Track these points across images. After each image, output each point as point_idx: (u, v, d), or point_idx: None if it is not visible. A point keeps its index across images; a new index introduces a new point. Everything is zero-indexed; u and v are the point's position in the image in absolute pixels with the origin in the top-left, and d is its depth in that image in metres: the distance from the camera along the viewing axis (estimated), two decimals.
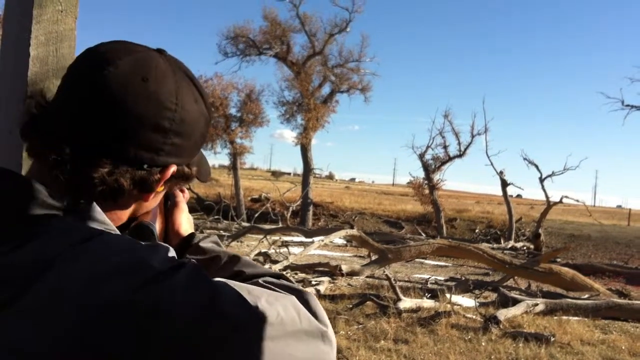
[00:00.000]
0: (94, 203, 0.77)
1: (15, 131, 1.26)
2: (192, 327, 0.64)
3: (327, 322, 0.78)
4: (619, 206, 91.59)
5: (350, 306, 8.39)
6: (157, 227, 1.00)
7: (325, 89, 31.75)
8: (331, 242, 13.23)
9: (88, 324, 0.62)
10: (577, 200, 23.77)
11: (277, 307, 0.72)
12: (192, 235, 1.04)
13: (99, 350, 0.62)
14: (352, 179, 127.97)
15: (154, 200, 0.91)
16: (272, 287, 0.79)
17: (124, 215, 0.87)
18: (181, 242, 1.04)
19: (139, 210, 0.90)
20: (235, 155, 33.21)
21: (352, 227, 17.33)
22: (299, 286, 0.85)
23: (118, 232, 0.79)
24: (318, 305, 0.80)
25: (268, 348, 0.68)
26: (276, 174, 72.94)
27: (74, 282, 0.65)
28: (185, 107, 0.82)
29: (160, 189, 0.87)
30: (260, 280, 0.83)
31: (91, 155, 0.77)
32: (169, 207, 1.07)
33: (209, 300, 0.67)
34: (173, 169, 0.85)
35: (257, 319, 0.69)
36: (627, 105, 23.44)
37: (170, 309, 0.64)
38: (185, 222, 1.08)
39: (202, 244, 1.01)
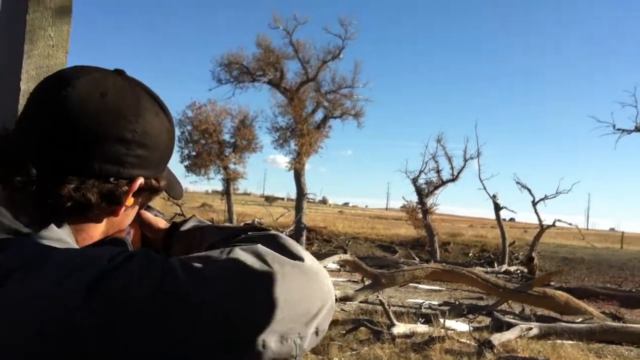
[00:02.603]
0: (52, 224, 0.79)
1: None
2: (147, 308, 0.64)
3: (303, 254, 0.76)
4: (612, 229, 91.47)
5: (344, 332, 8.34)
6: (131, 237, 1.02)
7: (319, 115, 31.91)
8: (324, 267, 13.17)
9: (48, 334, 0.63)
10: (570, 224, 23.84)
11: (237, 262, 0.70)
12: (174, 225, 1.09)
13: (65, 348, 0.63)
14: (346, 204, 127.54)
15: (126, 217, 0.92)
16: (237, 244, 0.77)
17: (96, 232, 0.87)
18: (166, 233, 1.08)
19: (110, 228, 0.90)
20: (228, 180, 33.18)
21: (345, 252, 17.32)
22: (269, 231, 0.84)
23: (76, 246, 0.80)
24: (289, 242, 0.78)
25: (236, 303, 0.67)
26: (270, 199, 72.78)
27: (29, 296, 0.66)
28: (146, 119, 0.84)
29: (130, 203, 0.89)
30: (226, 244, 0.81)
31: (56, 173, 0.79)
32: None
33: (160, 280, 0.66)
34: (140, 181, 0.86)
35: (212, 285, 0.67)
36: (619, 129, 23.60)
37: (125, 294, 0.64)
38: (158, 219, 1.13)
39: (183, 228, 1.06)
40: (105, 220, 0.88)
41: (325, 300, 0.75)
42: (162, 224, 1.12)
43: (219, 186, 36.65)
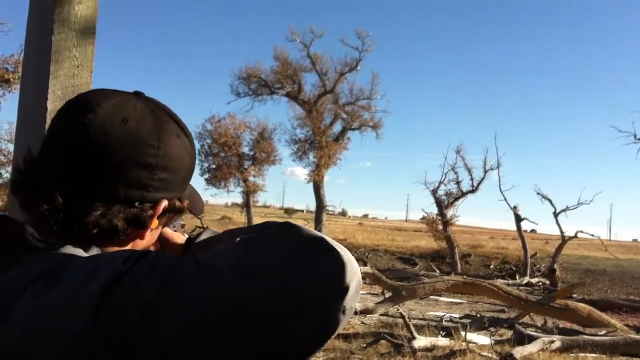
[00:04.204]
0: (67, 245, 0.80)
1: None
2: (155, 304, 0.65)
3: (321, 236, 0.75)
4: (635, 240, 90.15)
5: (364, 345, 8.29)
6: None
7: (337, 127, 32.08)
8: None
9: (60, 344, 0.65)
10: (592, 235, 23.52)
11: (246, 252, 0.71)
12: (189, 239, 1.10)
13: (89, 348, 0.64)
14: (365, 215, 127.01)
15: (151, 237, 0.94)
16: (248, 237, 0.78)
17: None
18: (184, 247, 1.10)
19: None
20: (248, 193, 33.37)
21: (365, 264, 17.25)
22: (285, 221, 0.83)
23: None
24: (305, 228, 0.78)
25: (248, 291, 0.67)
26: (289, 212, 72.81)
27: (43, 307, 0.67)
28: (168, 142, 0.85)
29: (155, 225, 0.90)
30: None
31: (82, 201, 0.80)
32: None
33: (169, 274, 0.68)
34: (164, 203, 0.88)
35: (222, 277, 0.68)
36: None
37: (136, 294, 0.66)
38: (176, 234, 1.13)
39: (198, 240, 1.07)
40: (131, 244, 0.90)
41: (349, 280, 0.73)
42: (179, 239, 1.13)
43: (239, 199, 36.95)
